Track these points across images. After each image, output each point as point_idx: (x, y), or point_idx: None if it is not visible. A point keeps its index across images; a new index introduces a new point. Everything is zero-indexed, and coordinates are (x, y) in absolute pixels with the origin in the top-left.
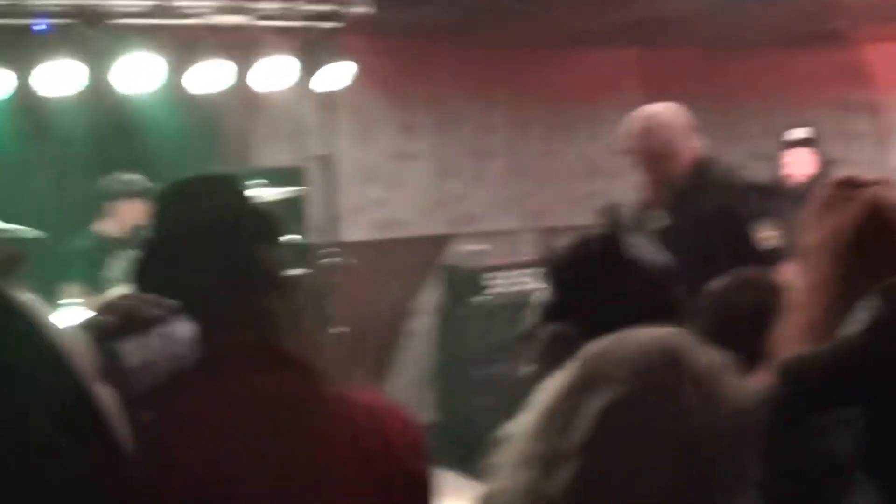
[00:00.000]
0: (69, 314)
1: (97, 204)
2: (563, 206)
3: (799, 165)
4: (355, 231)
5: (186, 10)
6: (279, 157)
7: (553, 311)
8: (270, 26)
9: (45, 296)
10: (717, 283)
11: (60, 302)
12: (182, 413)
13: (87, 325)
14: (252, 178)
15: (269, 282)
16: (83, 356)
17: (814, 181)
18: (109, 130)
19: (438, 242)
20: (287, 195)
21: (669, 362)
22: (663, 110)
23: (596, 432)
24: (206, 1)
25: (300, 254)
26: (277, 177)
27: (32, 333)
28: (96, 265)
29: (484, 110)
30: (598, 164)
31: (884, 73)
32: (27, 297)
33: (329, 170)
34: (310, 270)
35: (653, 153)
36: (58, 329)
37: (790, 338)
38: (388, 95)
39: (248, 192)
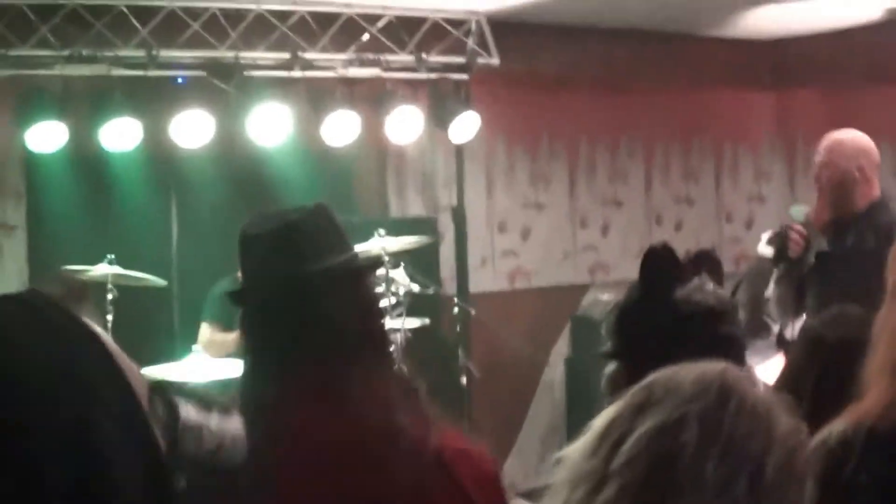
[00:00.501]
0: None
1: (231, 252)
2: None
3: None
4: (487, 281)
5: (318, 63)
6: (411, 207)
7: (610, 354)
8: (400, 78)
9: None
10: (813, 318)
11: (194, 348)
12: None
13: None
14: (386, 228)
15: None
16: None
17: None
18: (244, 182)
19: (570, 292)
20: (419, 245)
21: (718, 393)
22: (851, 139)
23: (640, 452)
24: (338, 54)
25: (429, 303)
26: (410, 227)
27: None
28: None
29: (616, 157)
30: (733, 210)
31: None
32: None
33: (459, 220)
34: (438, 319)
35: (830, 178)
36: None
37: (876, 375)
38: (517, 145)
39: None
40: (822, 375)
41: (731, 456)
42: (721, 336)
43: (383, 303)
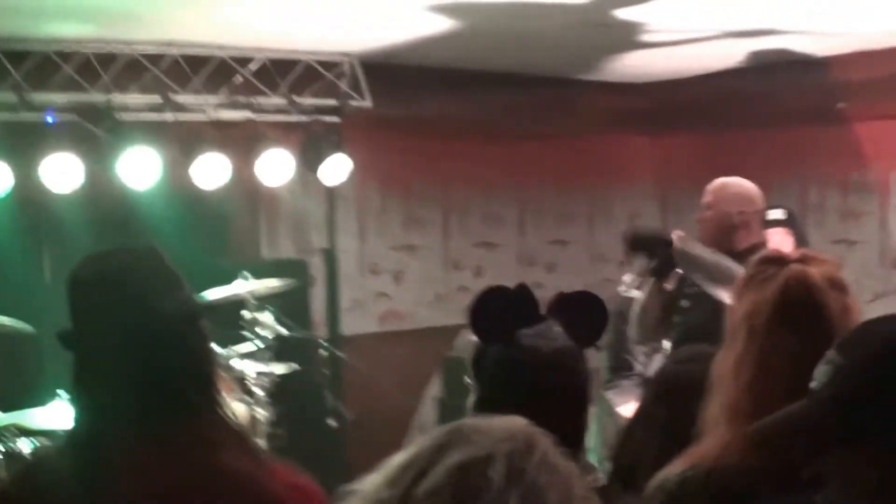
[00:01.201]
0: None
1: None
2: None
3: (776, 245)
4: (359, 324)
5: (190, 106)
6: (283, 250)
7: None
8: (272, 121)
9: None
10: (669, 359)
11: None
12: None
13: None
14: (258, 271)
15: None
16: None
17: None
18: (116, 226)
19: (442, 334)
20: (288, 287)
21: (525, 441)
22: (736, 185)
23: (446, 482)
24: (209, 97)
25: (300, 347)
26: (282, 269)
27: None
28: None
29: (490, 200)
30: (606, 251)
31: (884, 151)
32: None
33: (331, 262)
34: (309, 363)
35: (711, 219)
36: None
37: (715, 417)
38: (390, 188)
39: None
40: (673, 417)
41: (532, 500)
42: (550, 384)
43: (249, 347)
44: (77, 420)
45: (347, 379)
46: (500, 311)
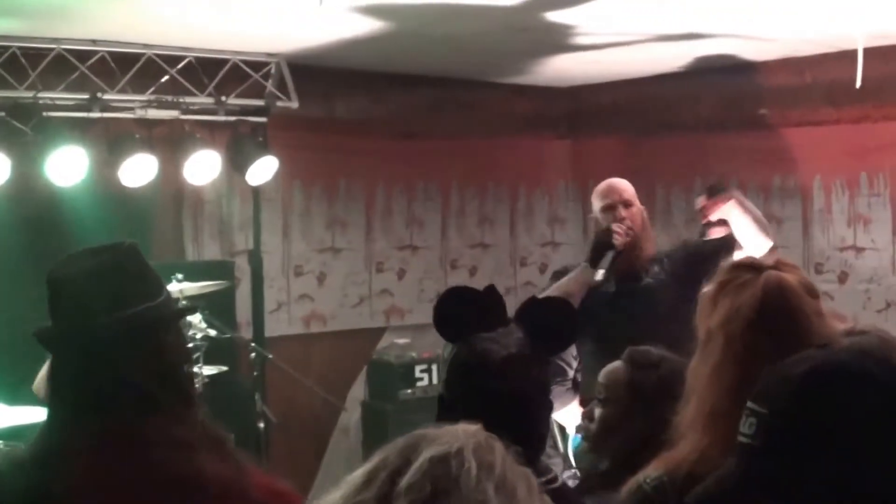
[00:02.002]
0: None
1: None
2: None
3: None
4: (282, 325)
5: (117, 105)
6: (207, 251)
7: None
8: (198, 121)
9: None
10: (613, 364)
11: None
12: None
13: None
14: (183, 272)
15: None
16: None
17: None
18: (41, 223)
19: (366, 336)
20: (215, 289)
21: (486, 439)
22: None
23: (423, 476)
24: (137, 96)
25: (227, 348)
26: (206, 271)
27: None
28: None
29: (412, 202)
30: (527, 255)
31: (807, 157)
32: None
33: (256, 264)
34: (236, 364)
35: (637, 213)
36: None
37: (690, 422)
38: (314, 189)
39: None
40: (643, 418)
41: (505, 490)
42: (497, 389)
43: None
44: (49, 417)
45: (272, 381)
46: (462, 311)
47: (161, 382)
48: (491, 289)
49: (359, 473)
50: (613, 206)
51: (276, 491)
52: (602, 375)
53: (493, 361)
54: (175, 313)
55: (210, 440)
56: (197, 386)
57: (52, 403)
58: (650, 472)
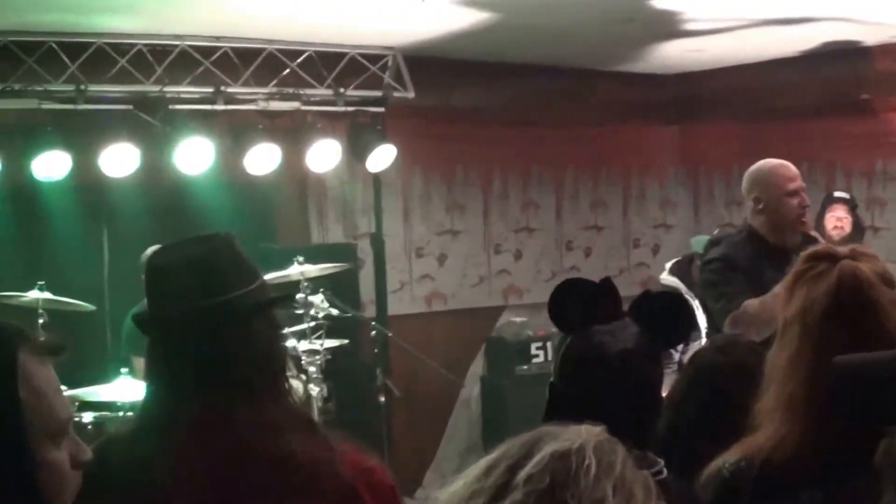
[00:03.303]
0: (126, 384)
1: None
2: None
3: (837, 225)
4: (405, 304)
5: (240, 97)
6: (332, 234)
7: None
8: (319, 111)
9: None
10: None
11: (122, 371)
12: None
13: None
14: (307, 255)
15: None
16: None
17: (848, 241)
18: (171, 210)
19: (484, 315)
20: (338, 270)
21: (607, 439)
22: None
23: (543, 469)
24: (259, 88)
25: (349, 326)
26: (330, 253)
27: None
28: None
29: (527, 186)
30: (640, 237)
31: None
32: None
33: (378, 246)
34: (358, 342)
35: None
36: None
37: (769, 410)
38: (433, 175)
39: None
40: (709, 400)
41: (623, 491)
42: (612, 383)
43: (302, 326)
44: (146, 401)
45: (394, 357)
46: (578, 303)
47: (252, 366)
48: (606, 281)
49: (481, 463)
50: (799, 190)
51: (365, 468)
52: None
53: (610, 355)
54: (268, 301)
55: (300, 422)
56: (319, 361)
57: (148, 383)
58: (730, 456)
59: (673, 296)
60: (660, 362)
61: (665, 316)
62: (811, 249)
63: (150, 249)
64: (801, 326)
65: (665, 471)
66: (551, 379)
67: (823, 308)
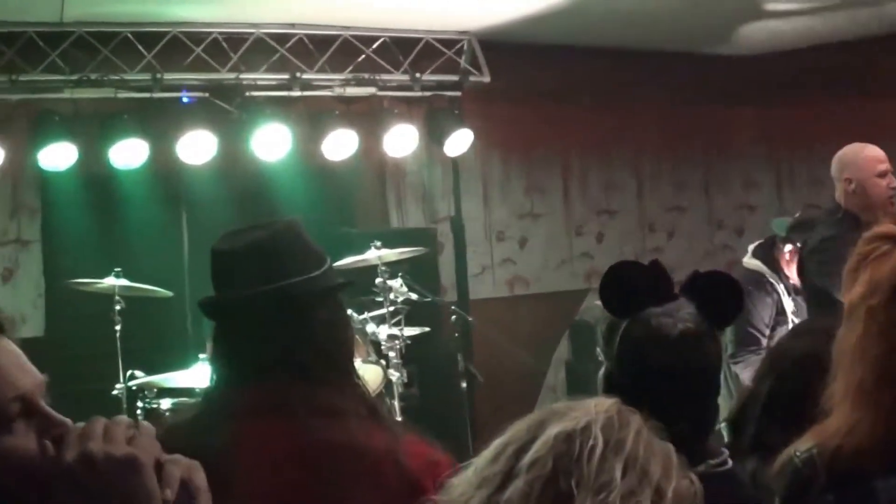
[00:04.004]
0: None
1: None
2: (690, 259)
3: None
4: (486, 289)
5: (316, 83)
6: (411, 218)
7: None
8: (395, 96)
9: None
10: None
11: (201, 356)
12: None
13: None
14: (386, 239)
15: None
16: None
17: None
18: (249, 196)
19: (568, 298)
20: (417, 255)
21: (618, 415)
22: None
23: (546, 453)
24: (335, 74)
25: (429, 311)
26: (410, 238)
27: None
28: None
29: (607, 168)
30: (724, 218)
31: None
32: None
33: (458, 230)
34: (438, 327)
35: None
36: None
37: (841, 396)
38: (512, 158)
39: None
40: (777, 387)
41: (635, 469)
42: (673, 366)
43: (381, 311)
44: (210, 387)
45: (476, 342)
46: (630, 286)
47: (315, 352)
48: (655, 263)
49: (490, 447)
50: (888, 171)
51: (431, 460)
52: None
53: (670, 336)
54: (331, 287)
55: (365, 409)
56: (399, 346)
57: (214, 367)
58: (801, 444)
59: (723, 274)
60: (719, 342)
61: (718, 294)
62: (873, 230)
63: None
64: (867, 310)
65: (729, 461)
66: (604, 369)
67: (888, 290)
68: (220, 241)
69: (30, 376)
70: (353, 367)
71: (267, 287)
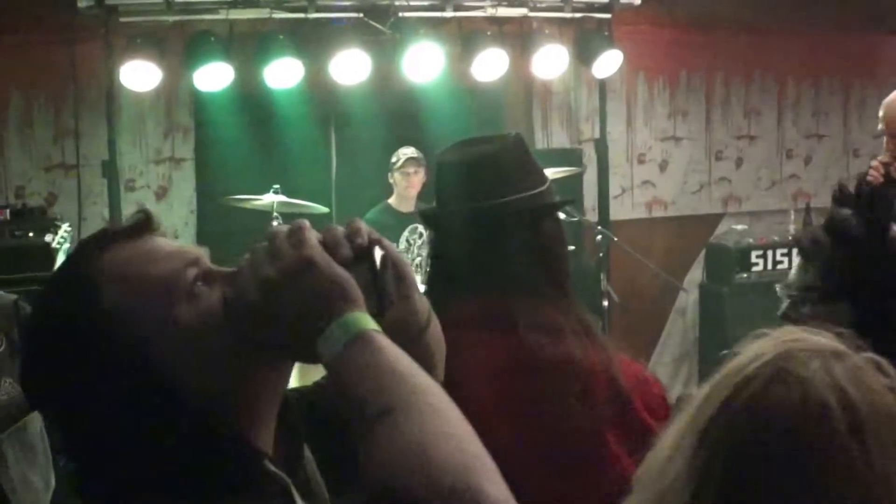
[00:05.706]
0: None
1: (386, 181)
2: (825, 187)
3: None
4: (625, 210)
5: (468, 4)
6: (556, 139)
7: (821, 294)
8: (546, 17)
9: None
10: None
11: None
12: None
13: None
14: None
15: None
16: None
17: None
18: (398, 116)
19: (704, 222)
20: (565, 175)
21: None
22: None
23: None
24: None
25: (574, 231)
26: (555, 158)
27: None
28: (388, 236)
29: (749, 93)
30: (861, 146)
31: None
32: None
33: (602, 152)
34: (581, 246)
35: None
36: None
37: None
38: (656, 81)
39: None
40: None
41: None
42: None
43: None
44: (427, 291)
45: (615, 262)
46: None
47: (534, 267)
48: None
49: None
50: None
51: (643, 379)
52: None
53: None
54: (556, 204)
55: (581, 326)
56: None
57: (430, 278)
58: None
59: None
60: None
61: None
62: None
63: (401, 150)
64: None
65: None
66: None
67: None
68: (446, 152)
69: (194, 248)
70: (570, 284)
71: (489, 202)
